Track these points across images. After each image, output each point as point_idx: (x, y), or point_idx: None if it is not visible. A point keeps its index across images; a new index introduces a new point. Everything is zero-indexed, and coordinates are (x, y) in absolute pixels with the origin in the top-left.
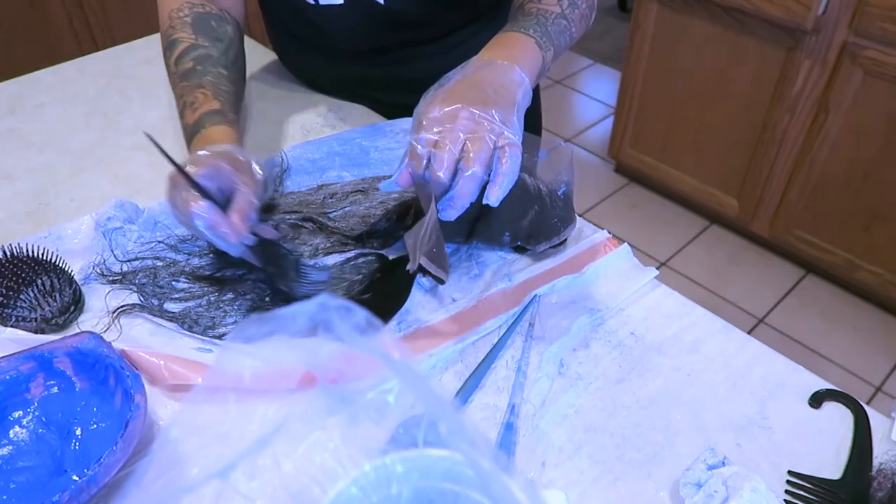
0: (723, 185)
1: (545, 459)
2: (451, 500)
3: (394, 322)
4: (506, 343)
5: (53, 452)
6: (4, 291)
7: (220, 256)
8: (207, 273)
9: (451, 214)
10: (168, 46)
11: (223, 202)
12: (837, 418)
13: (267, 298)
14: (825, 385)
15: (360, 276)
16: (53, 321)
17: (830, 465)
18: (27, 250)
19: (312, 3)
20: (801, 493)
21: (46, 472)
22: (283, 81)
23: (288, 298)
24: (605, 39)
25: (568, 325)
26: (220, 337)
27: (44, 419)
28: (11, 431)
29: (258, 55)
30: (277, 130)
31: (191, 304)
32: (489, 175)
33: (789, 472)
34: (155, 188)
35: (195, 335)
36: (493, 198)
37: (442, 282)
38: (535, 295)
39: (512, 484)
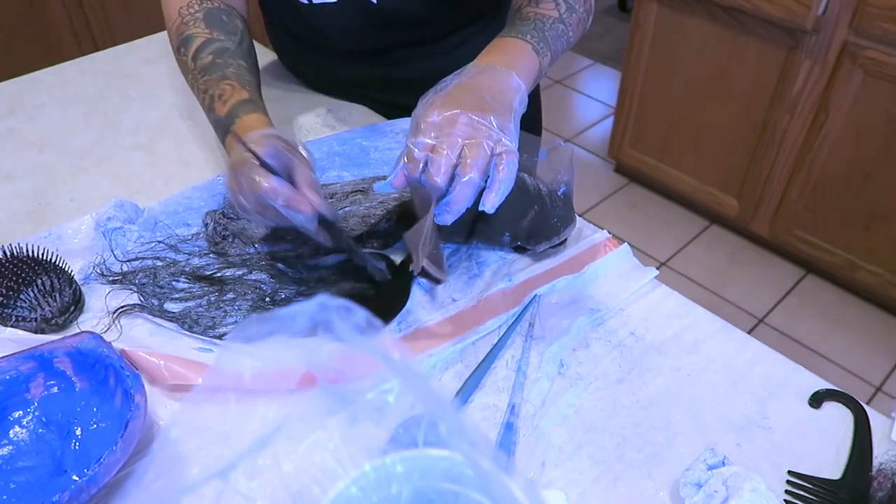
0: (723, 185)
1: (545, 459)
2: (451, 500)
3: (394, 322)
4: (506, 343)
5: (53, 452)
6: (4, 291)
7: (221, 256)
8: (207, 273)
9: (447, 219)
10: (182, 43)
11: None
12: (837, 418)
13: (267, 299)
14: (825, 385)
15: (356, 274)
16: (53, 321)
17: (830, 465)
18: (27, 250)
19: (306, 2)
20: (801, 493)
21: (46, 472)
22: (283, 81)
23: (342, 286)
24: (605, 39)
25: (568, 325)
26: (220, 337)
27: (44, 419)
28: (11, 431)
29: (258, 55)
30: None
31: (191, 304)
32: (486, 181)
33: (789, 472)
34: (155, 188)
35: (195, 335)
36: (490, 204)
37: (440, 282)
38: (535, 295)
39: (512, 484)
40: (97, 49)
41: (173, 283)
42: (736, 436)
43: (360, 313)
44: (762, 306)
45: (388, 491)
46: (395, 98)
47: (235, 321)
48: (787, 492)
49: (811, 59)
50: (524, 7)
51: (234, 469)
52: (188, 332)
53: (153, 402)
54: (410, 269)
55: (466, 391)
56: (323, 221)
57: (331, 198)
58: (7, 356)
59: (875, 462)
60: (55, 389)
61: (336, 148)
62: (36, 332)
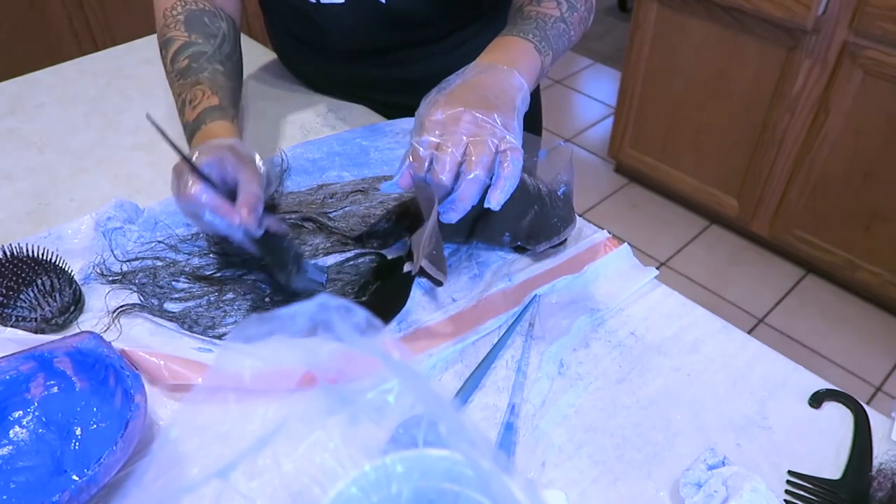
0: (723, 185)
1: (545, 459)
2: (451, 500)
3: (394, 322)
4: (506, 343)
5: (53, 452)
6: (4, 291)
7: (221, 256)
8: (207, 273)
9: (453, 217)
10: (163, 45)
11: (226, 193)
12: (837, 418)
13: (267, 299)
14: (825, 385)
15: (357, 276)
16: (53, 321)
17: (830, 465)
18: (27, 250)
19: (313, 2)
20: (801, 493)
21: (46, 472)
22: (283, 81)
23: (284, 292)
24: (605, 39)
25: (568, 325)
26: (220, 337)
27: (44, 419)
28: (11, 431)
29: (258, 55)
30: (277, 130)
31: (191, 304)
32: (491, 178)
33: (789, 472)
34: (155, 188)
35: (195, 335)
36: (495, 201)
37: (440, 284)
38: (535, 295)
39: (512, 484)
40: (97, 49)
41: (173, 283)
42: (736, 436)
43: (360, 313)
44: (762, 306)
45: (388, 491)
46: (395, 98)
47: (235, 321)
48: (787, 492)
49: (811, 59)
50: (526, 6)
51: (234, 469)
52: (188, 332)
53: (153, 402)
54: (407, 269)
55: (466, 391)
56: (266, 235)
57: (331, 198)
58: (7, 356)
59: (875, 462)
60: (55, 389)
61: (336, 148)
62: (36, 332)
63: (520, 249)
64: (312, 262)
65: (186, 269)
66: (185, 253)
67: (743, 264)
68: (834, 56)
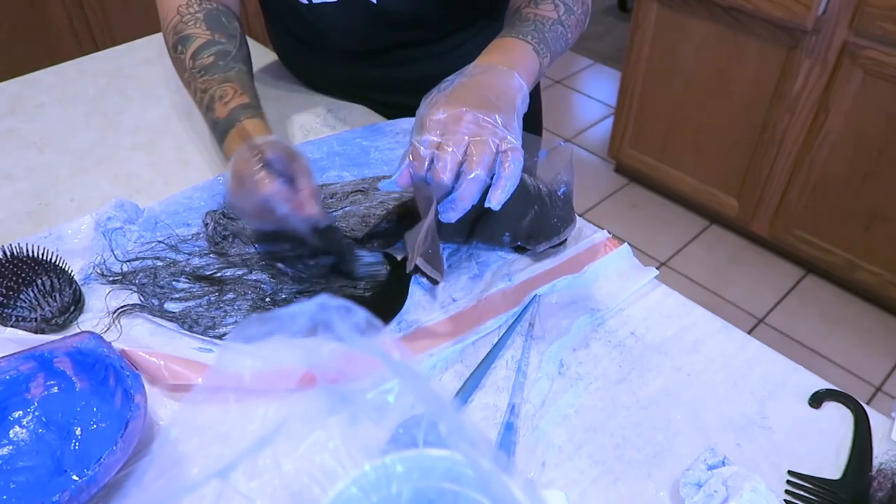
0: (723, 185)
1: (545, 459)
2: (451, 500)
3: (394, 322)
4: (506, 343)
5: (53, 452)
6: (4, 291)
7: (221, 256)
8: (207, 273)
9: (452, 217)
10: (180, 41)
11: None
12: (837, 418)
13: (267, 299)
14: (825, 385)
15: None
16: (53, 321)
17: (830, 465)
18: (27, 250)
19: (306, 2)
20: (801, 493)
21: (46, 472)
22: (283, 81)
23: (348, 279)
24: (605, 39)
25: (568, 325)
26: (220, 337)
27: (44, 419)
28: (11, 431)
29: (258, 55)
30: (278, 131)
31: (191, 304)
32: (491, 178)
33: (789, 472)
34: (155, 188)
35: (195, 335)
36: (495, 201)
37: (436, 282)
38: (535, 295)
39: (512, 484)
40: (97, 49)
41: (173, 283)
42: (736, 436)
43: (360, 313)
44: (762, 306)
45: (388, 491)
46: (395, 98)
47: (235, 321)
48: (787, 492)
49: (811, 59)
50: (524, 8)
51: (234, 469)
52: (188, 332)
53: (153, 402)
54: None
55: (466, 391)
56: (317, 227)
57: (331, 198)
58: (7, 356)
59: (875, 462)
60: (55, 389)
61: (336, 148)
62: (36, 332)
63: (520, 249)
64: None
65: (187, 269)
66: (185, 253)
67: (743, 264)
68: (834, 56)
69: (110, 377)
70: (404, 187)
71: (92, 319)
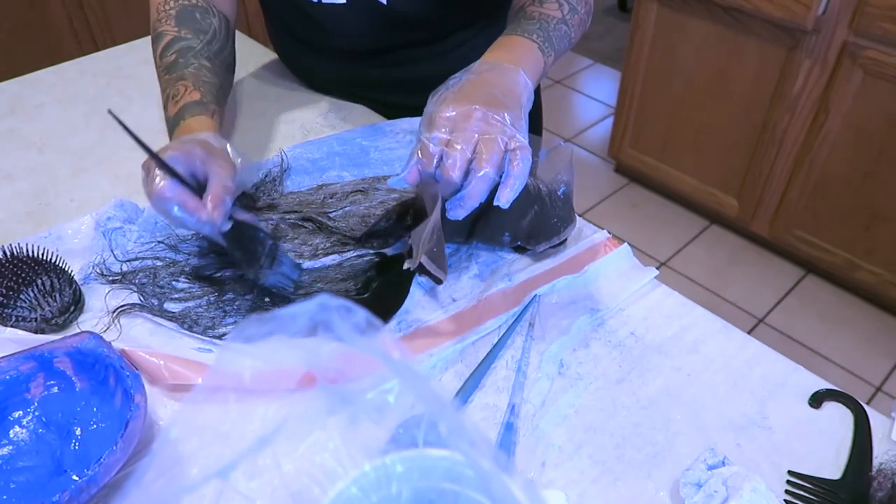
0: (723, 185)
1: (545, 459)
2: (451, 500)
3: (394, 322)
4: (506, 343)
5: (53, 452)
6: (4, 291)
7: (221, 256)
8: (207, 273)
9: (460, 214)
10: (154, 40)
11: (196, 187)
12: (837, 418)
13: (267, 299)
14: (825, 385)
15: (356, 274)
16: (53, 321)
17: (830, 465)
18: (27, 250)
19: (315, 1)
20: (801, 493)
21: (46, 472)
22: (283, 81)
23: (253, 288)
24: (605, 39)
25: (568, 325)
26: (220, 337)
27: (44, 419)
28: (11, 431)
29: (258, 55)
30: (277, 130)
31: (191, 304)
32: (500, 176)
33: (789, 472)
34: None
35: (195, 335)
36: (504, 199)
37: (440, 282)
38: (535, 295)
39: (512, 484)
40: (97, 49)
41: (173, 283)
42: (736, 436)
43: (360, 313)
44: (762, 306)
45: (388, 491)
46: (396, 98)
47: (235, 321)
48: (787, 492)
49: (811, 59)
50: (528, 6)
51: (234, 469)
52: (188, 332)
53: (153, 402)
54: (407, 265)
55: (466, 391)
56: (239, 226)
57: (331, 198)
58: (7, 356)
59: (875, 462)
60: (55, 389)
61: (336, 148)
62: (36, 332)
63: (520, 249)
64: (289, 256)
65: (186, 269)
66: (185, 253)
67: (743, 264)
68: (834, 56)
69: (110, 377)
70: (413, 184)
71: (92, 319)
